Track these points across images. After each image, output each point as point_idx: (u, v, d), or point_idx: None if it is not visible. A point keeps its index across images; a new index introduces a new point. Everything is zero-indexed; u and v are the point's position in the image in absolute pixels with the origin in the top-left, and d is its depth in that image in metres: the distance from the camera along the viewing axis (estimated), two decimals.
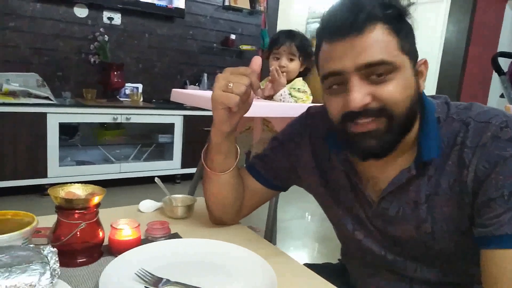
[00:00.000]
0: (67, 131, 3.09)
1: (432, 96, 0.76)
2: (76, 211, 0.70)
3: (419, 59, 0.72)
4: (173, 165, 3.45)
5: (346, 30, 0.65)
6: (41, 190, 2.99)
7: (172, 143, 3.44)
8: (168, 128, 3.43)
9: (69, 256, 0.70)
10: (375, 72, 0.65)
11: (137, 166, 3.30)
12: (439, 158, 0.70)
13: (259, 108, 1.37)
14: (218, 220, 0.94)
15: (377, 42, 0.65)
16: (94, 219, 0.73)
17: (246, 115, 1.26)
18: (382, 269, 0.81)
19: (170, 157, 3.45)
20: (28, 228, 0.66)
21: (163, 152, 3.53)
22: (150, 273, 0.66)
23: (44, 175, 2.89)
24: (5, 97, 2.72)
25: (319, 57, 0.73)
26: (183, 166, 3.49)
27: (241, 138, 1.81)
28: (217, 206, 0.91)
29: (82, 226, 0.69)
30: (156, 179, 1.09)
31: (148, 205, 1.03)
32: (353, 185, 0.80)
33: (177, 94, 1.70)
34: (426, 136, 0.71)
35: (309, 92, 1.71)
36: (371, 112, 0.67)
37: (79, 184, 0.75)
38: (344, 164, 0.79)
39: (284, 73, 1.63)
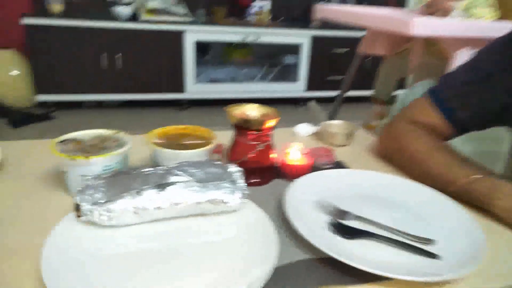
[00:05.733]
0: (200, 49, 3.21)
1: None
2: (254, 132, 0.68)
3: None
4: (297, 88, 3.40)
5: None
6: (178, 105, 3.27)
7: (298, 64, 3.35)
8: (295, 49, 3.32)
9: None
10: None
11: (263, 87, 3.33)
12: None
13: (445, 26, 1.12)
14: (387, 158, 0.85)
15: None
16: (270, 141, 0.70)
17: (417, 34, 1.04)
18: None
19: (294, 79, 3.39)
20: (212, 146, 0.66)
21: (288, 74, 3.48)
22: (332, 204, 0.63)
23: (182, 91, 3.11)
24: (149, 14, 2.89)
25: None
26: (308, 89, 3.42)
27: (392, 62, 1.61)
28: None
29: (261, 147, 0.68)
30: (311, 103, 1.03)
31: (304, 128, 1.00)
32: None
33: (325, 10, 1.55)
34: None
35: (496, 7, 1.36)
36: None
37: (255, 104, 0.73)
38: None
39: None
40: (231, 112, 0.70)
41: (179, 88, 3.09)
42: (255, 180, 0.71)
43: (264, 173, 0.73)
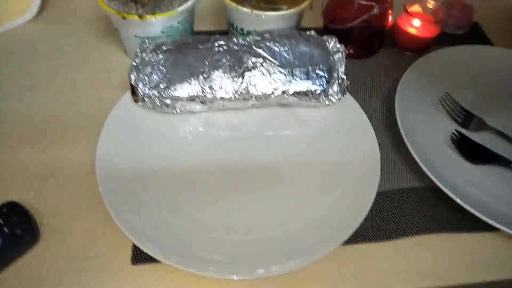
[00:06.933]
0: None
1: None
2: None
3: None
4: None
5: None
6: None
7: None
8: None
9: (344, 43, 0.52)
10: None
11: None
12: None
13: None
14: None
15: None
16: (389, 2, 0.49)
17: None
18: None
19: None
20: (306, 3, 0.47)
21: None
22: (457, 103, 0.46)
23: None
24: None
25: None
26: None
27: None
28: None
29: (375, 11, 0.47)
30: None
31: None
32: None
33: None
34: None
35: None
36: None
37: None
38: None
39: None
40: None
41: None
42: (357, 51, 0.53)
43: (371, 41, 0.54)
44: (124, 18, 0.44)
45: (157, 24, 0.45)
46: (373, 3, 0.47)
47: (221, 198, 0.38)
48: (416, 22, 0.52)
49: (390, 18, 0.51)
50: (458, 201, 0.37)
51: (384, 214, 0.39)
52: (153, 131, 0.43)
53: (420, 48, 0.53)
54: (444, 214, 0.39)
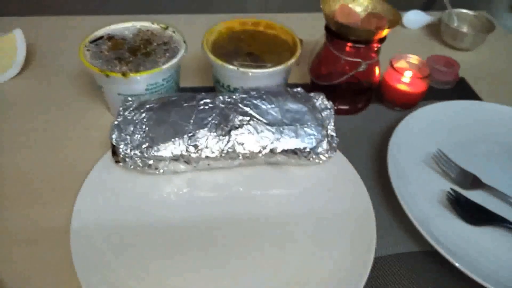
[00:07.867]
0: None
1: None
2: (357, 44, 0.46)
3: None
4: None
5: None
6: None
7: None
8: None
9: (332, 99, 0.51)
10: None
11: None
12: None
13: None
14: None
15: None
16: (376, 59, 0.49)
17: None
18: None
19: None
20: (293, 60, 0.47)
21: None
22: (451, 161, 0.45)
23: None
24: None
25: None
26: None
27: None
28: None
29: (362, 68, 0.47)
30: None
31: (415, 18, 0.73)
32: None
33: None
34: None
35: None
36: None
37: None
38: None
39: None
40: (326, 8, 0.47)
41: None
42: (344, 107, 0.53)
43: (359, 97, 0.53)
44: (107, 76, 0.43)
45: (141, 81, 0.44)
46: (359, 60, 0.47)
47: (208, 267, 0.35)
48: (404, 78, 0.52)
49: (377, 74, 0.51)
50: (457, 265, 0.34)
51: (382, 282, 0.36)
52: (135, 193, 0.40)
53: (408, 103, 0.53)
54: (446, 280, 0.36)
